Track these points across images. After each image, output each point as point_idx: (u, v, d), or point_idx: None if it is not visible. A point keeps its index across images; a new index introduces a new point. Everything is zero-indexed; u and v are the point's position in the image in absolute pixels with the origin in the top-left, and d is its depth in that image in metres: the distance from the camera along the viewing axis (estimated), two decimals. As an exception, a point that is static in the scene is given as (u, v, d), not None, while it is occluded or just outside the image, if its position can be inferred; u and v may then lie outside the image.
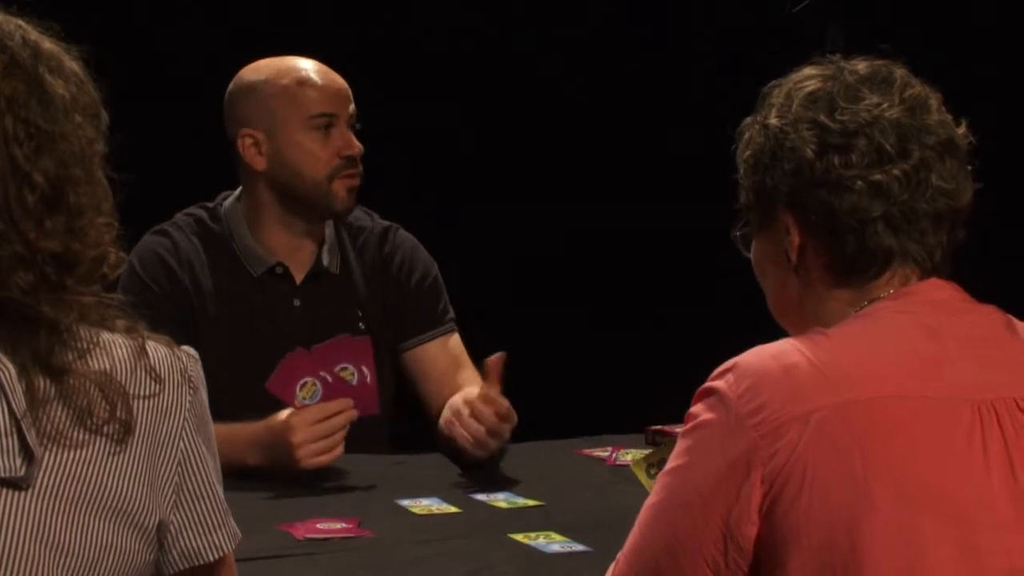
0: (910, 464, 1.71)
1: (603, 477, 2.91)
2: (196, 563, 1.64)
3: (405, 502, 2.74)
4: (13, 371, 1.53)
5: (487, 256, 4.74)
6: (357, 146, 3.16)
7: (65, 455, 1.54)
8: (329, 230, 3.23)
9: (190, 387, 1.63)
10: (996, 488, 1.73)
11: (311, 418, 2.82)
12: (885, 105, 1.82)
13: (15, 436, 1.52)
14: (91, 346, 1.57)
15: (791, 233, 1.85)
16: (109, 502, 1.56)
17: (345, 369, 2.88)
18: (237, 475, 2.58)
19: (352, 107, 3.18)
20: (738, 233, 1.94)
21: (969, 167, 1.85)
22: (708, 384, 1.79)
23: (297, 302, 3.20)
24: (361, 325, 3.20)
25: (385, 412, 3.24)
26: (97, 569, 1.56)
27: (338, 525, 2.59)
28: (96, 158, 1.61)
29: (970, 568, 1.71)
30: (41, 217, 1.55)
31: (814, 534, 1.70)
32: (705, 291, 4.64)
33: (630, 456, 2.94)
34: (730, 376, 1.76)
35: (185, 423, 1.62)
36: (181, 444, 1.62)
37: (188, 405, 1.62)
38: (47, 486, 1.54)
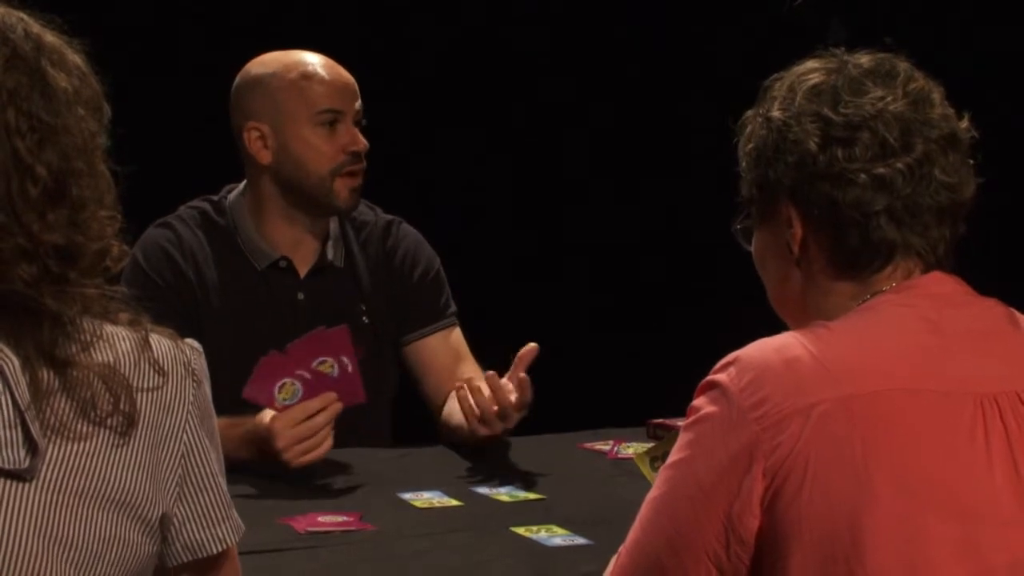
0: (912, 458, 1.71)
1: (605, 471, 2.91)
2: (199, 556, 1.65)
3: (407, 495, 2.74)
4: (17, 363, 1.53)
5: (489, 251, 4.75)
6: (362, 142, 3.16)
7: (69, 447, 1.55)
8: (333, 225, 3.24)
9: (194, 380, 1.63)
10: (998, 482, 1.73)
11: (293, 419, 2.78)
12: (889, 98, 1.82)
13: (19, 428, 1.52)
14: (94, 338, 1.57)
15: (793, 226, 1.85)
16: (112, 494, 1.56)
17: (324, 363, 2.84)
18: (239, 469, 2.58)
19: (359, 103, 3.18)
20: (739, 226, 1.94)
21: (971, 161, 1.85)
22: (710, 377, 1.79)
23: (301, 296, 3.20)
24: (364, 319, 3.20)
25: (382, 403, 3.24)
26: (100, 561, 1.56)
27: (340, 518, 2.59)
28: (98, 151, 1.61)
29: (972, 562, 1.71)
30: (44, 210, 1.55)
31: (816, 527, 1.70)
32: (706, 285, 4.64)
33: (632, 449, 2.95)
34: (732, 369, 1.76)
35: (189, 416, 1.62)
36: (184, 437, 1.62)
37: (191, 398, 1.62)
38: (51, 478, 1.54)
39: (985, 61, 4.53)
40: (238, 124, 3.18)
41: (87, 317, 1.57)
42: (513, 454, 3.01)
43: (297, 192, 3.16)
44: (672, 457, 1.79)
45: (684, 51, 4.80)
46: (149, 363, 1.59)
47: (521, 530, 2.54)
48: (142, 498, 1.58)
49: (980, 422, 1.74)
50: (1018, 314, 1.85)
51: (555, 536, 2.51)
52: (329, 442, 2.81)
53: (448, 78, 4.79)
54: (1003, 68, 4.61)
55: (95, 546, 1.56)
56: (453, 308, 3.30)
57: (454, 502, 2.72)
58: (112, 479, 1.56)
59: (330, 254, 3.22)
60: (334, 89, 3.15)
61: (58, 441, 1.54)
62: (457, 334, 3.28)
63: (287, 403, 2.80)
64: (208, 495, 1.64)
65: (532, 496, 2.75)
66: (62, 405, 1.54)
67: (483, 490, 2.78)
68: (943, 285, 1.83)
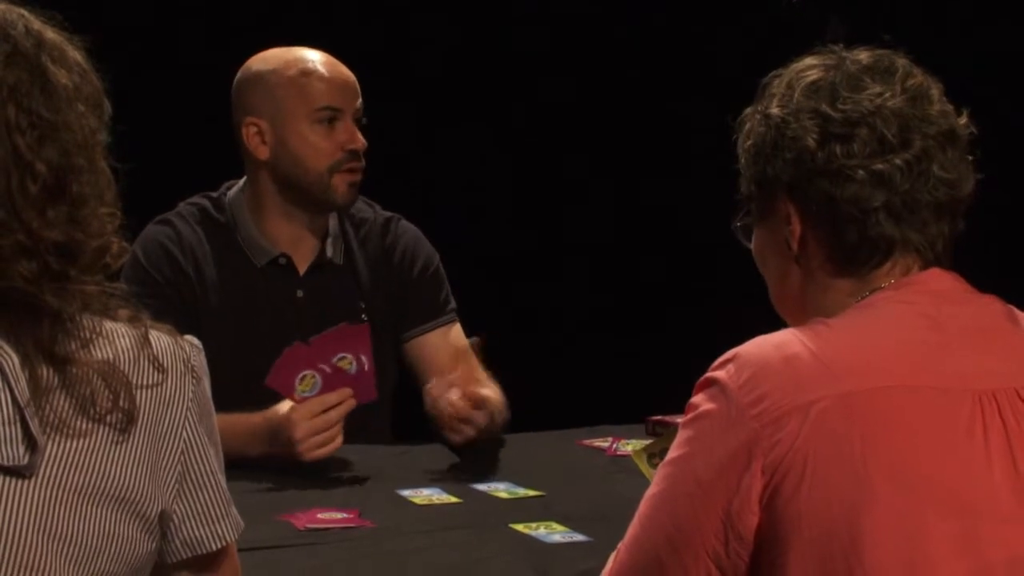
0: (911, 454, 1.71)
1: (604, 467, 2.91)
2: (198, 552, 1.65)
3: (406, 492, 2.74)
4: (16, 360, 1.53)
5: (490, 250, 4.75)
6: (360, 141, 3.15)
7: (68, 444, 1.55)
8: (333, 222, 3.24)
9: (193, 377, 1.63)
10: (997, 479, 1.73)
11: (311, 411, 2.82)
12: (887, 95, 1.82)
13: (18, 425, 1.52)
14: (94, 335, 1.57)
15: (792, 223, 1.85)
16: (112, 491, 1.56)
17: (343, 359, 2.89)
18: (239, 465, 2.58)
19: (359, 102, 3.18)
20: (739, 224, 1.94)
21: (970, 157, 1.85)
22: (709, 374, 1.78)
23: (300, 293, 3.20)
24: (364, 316, 3.20)
25: (385, 400, 3.24)
26: (99, 558, 1.56)
27: (339, 515, 2.59)
28: (99, 147, 1.61)
29: (971, 559, 1.71)
30: (43, 206, 1.55)
31: (815, 524, 1.70)
32: (706, 282, 4.64)
33: (630, 446, 2.95)
34: (731, 367, 1.76)
35: (188, 413, 1.62)
36: (184, 434, 1.62)
37: (191, 395, 1.62)
38: (50, 475, 1.54)
39: (984, 57, 4.53)
40: (237, 119, 3.18)
41: (87, 314, 1.58)
42: (512, 451, 3.02)
43: (295, 188, 3.16)
44: (671, 454, 1.79)
45: (684, 51, 4.80)
46: (149, 360, 1.59)
47: (520, 527, 2.54)
48: (141, 495, 1.58)
49: (979, 419, 1.74)
50: (1017, 311, 1.85)
51: (554, 533, 2.51)
52: (340, 438, 2.83)
53: (448, 78, 4.78)
54: (1002, 64, 4.61)
55: (94, 542, 1.56)
56: (453, 304, 3.30)
57: (453, 499, 2.72)
58: (112, 476, 1.56)
59: (329, 251, 3.22)
60: (334, 87, 3.15)
61: (57, 438, 1.54)
62: (457, 330, 3.28)
63: (306, 395, 2.85)
64: (207, 492, 1.64)
65: (531, 493, 2.75)
66: (62, 402, 1.55)
67: (482, 487, 2.79)
68: (942, 282, 1.83)
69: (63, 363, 1.55)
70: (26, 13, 1.61)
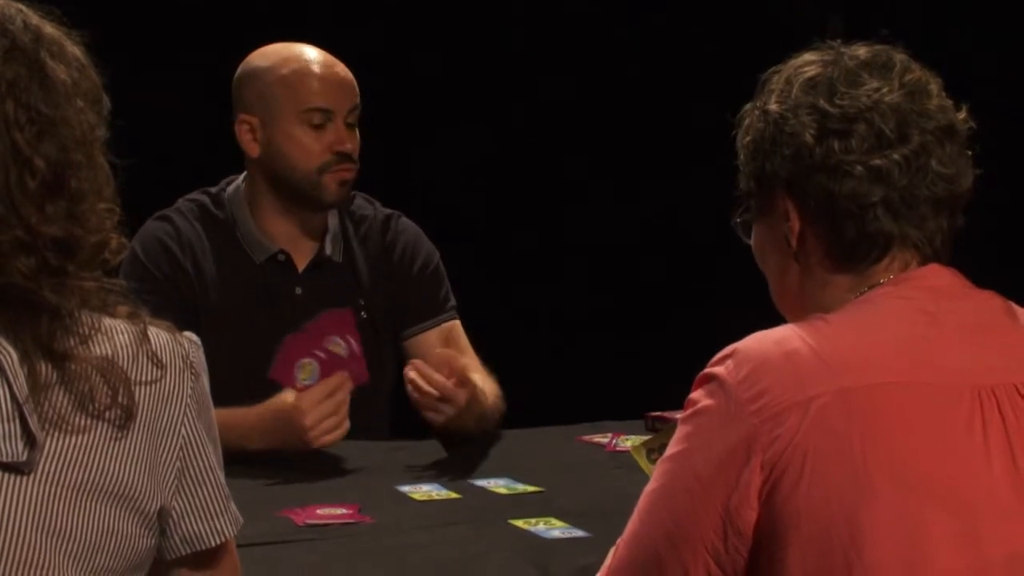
0: (910, 451, 1.71)
1: (603, 463, 2.92)
2: (198, 548, 1.65)
3: (405, 488, 2.74)
4: (15, 356, 1.53)
5: (489, 246, 4.75)
6: (350, 143, 3.12)
7: (67, 440, 1.55)
8: (333, 219, 3.23)
9: (192, 373, 1.63)
10: (996, 475, 1.73)
11: (317, 398, 2.84)
12: (885, 90, 1.82)
13: (17, 421, 1.52)
14: (93, 332, 1.57)
15: (791, 219, 1.85)
16: (110, 487, 1.56)
17: (336, 343, 2.90)
18: (237, 461, 2.58)
19: (354, 103, 3.15)
20: (738, 220, 1.94)
21: (969, 152, 1.85)
22: (708, 370, 1.78)
23: (299, 290, 3.20)
24: (363, 314, 3.20)
25: (383, 397, 3.24)
26: (98, 554, 1.56)
27: (338, 511, 2.59)
28: (97, 143, 1.61)
29: (970, 555, 1.70)
30: (42, 202, 1.55)
31: (814, 520, 1.70)
32: (705, 277, 4.64)
33: (630, 442, 2.94)
34: (730, 362, 1.76)
35: (187, 409, 1.62)
36: (183, 430, 1.62)
37: (190, 391, 1.62)
38: (49, 471, 1.54)
39: (984, 53, 4.53)
40: (234, 115, 3.18)
41: (85, 310, 1.57)
42: (511, 447, 3.02)
43: (285, 186, 3.15)
44: (670, 450, 1.79)
45: (684, 51, 4.80)
46: (147, 356, 1.59)
47: (519, 522, 2.54)
48: (140, 491, 1.58)
49: (978, 415, 1.74)
50: (1016, 307, 1.85)
51: (553, 528, 2.51)
52: (348, 422, 2.84)
53: (449, 77, 4.78)
54: (1002, 60, 4.61)
55: (93, 539, 1.56)
56: (453, 302, 3.29)
57: (452, 495, 2.72)
58: (110, 472, 1.56)
59: (328, 249, 3.21)
60: (326, 87, 3.13)
61: (56, 434, 1.54)
62: (457, 328, 3.28)
63: (306, 383, 2.86)
64: (206, 488, 1.64)
65: (530, 489, 2.75)
66: (60, 398, 1.54)
67: (481, 483, 2.79)
68: (940, 278, 1.83)
69: (62, 359, 1.55)
70: (24, 8, 1.61)
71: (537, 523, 2.53)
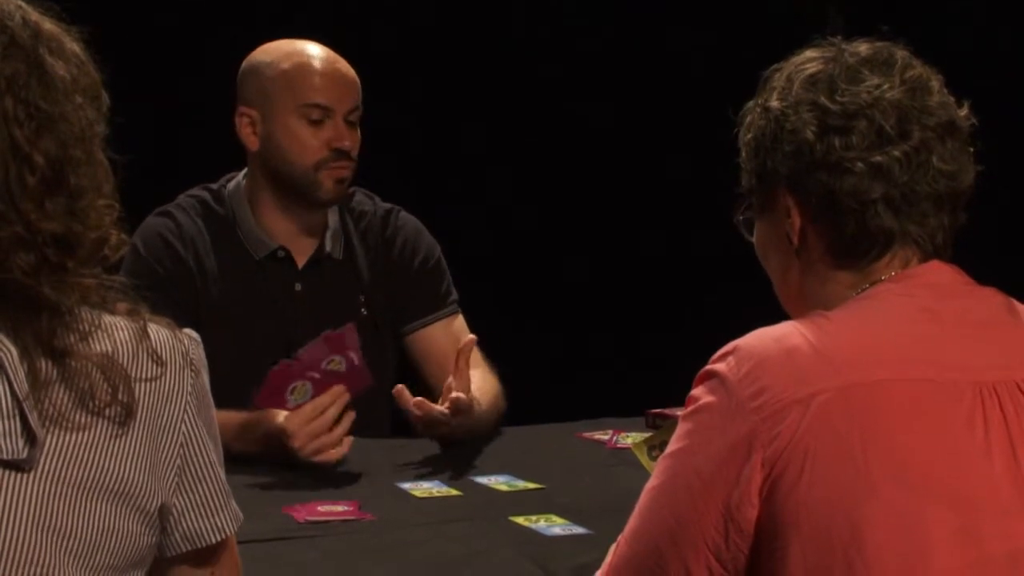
0: (911, 448, 1.71)
1: (604, 460, 2.91)
2: (198, 545, 1.65)
3: (406, 485, 2.74)
4: (15, 353, 1.53)
5: (489, 241, 4.75)
6: (348, 140, 3.12)
7: (67, 438, 1.54)
8: (334, 216, 3.23)
9: (192, 370, 1.63)
10: (997, 471, 1.73)
11: (306, 418, 2.78)
12: (886, 86, 1.82)
13: (17, 418, 1.52)
14: (93, 328, 1.57)
15: (792, 216, 1.84)
16: (111, 485, 1.56)
17: (332, 361, 2.84)
18: (238, 459, 2.58)
19: (355, 101, 3.15)
20: (741, 217, 1.93)
21: (971, 149, 1.85)
22: (709, 367, 1.78)
23: (299, 287, 3.19)
24: (363, 311, 3.19)
25: (384, 393, 3.24)
26: (99, 552, 1.56)
27: (339, 508, 2.59)
28: (96, 139, 1.60)
29: (971, 551, 1.70)
30: (41, 198, 1.55)
31: (814, 517, 1.70)
32: (705, 274, 4.64)
33: (630, 439, 2.95)
34: (731, 359, 1.76)
35: (187, 406, 1.62)
36: (183, 427, 1.62)
37: (190, 388, 1.62)
38: (49, 469, 1.54)
39: (985, 49, 4.53)
40: (237, 109, 3.18)
41: (85, 307, 1.57)
42: (512, 444, 3.02)
43: (283, 181, 3.15)
44: (671, 447, 1.79)
45: (684, 50, 4.80)
46: (147, 353, 1.59)
47: (520, 519, 2.54)
48: (141, 488, 1.58)
49: (979, 411, 1.74)
50: (1017, 303, 1.85)
51: (554, 525, 2.51)
52: (346, 446, 2.80)
53: (450, 77, 4.78)
54: (1003, 56, 4.61)
55: (94, 536, 1.55)
56: (454, 296, 3.29)
57: (453, 491, 2.72)
58: (111, 469, 1.56)
59: (328, 246, 3.21)
60: (326, 83, 3.13)
61: (56, 431, 1.54)
62: (460, 322, 3.27)
63: (299, 403, 2.80)
64: (207, 485, 1.64)
65: (531, 486, 2.75)
66: (60, 395, 1.54)
67: (482, 480, 2.79)
68: (942, 274, 1.82)
69: (62, 356, 1.54)
70: (23, 4, 1.60)
71: (538, 520, 2.53)
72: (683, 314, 4.71)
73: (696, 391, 1.79)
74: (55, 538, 1.54)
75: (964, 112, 1.85)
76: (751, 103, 1.90)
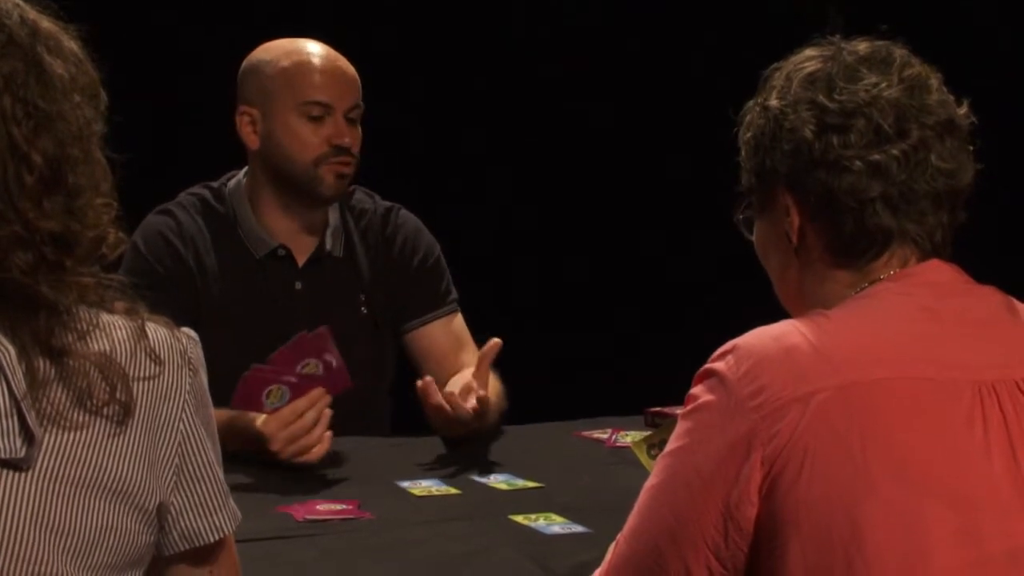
0: (910, 447, 1.71)
1: (603, 459, 2.91)
2: (196, 544, 1.65)
3: (405, 484, 2.74)
4: (13, 352, 1.53)
5: (489, 241, 4.75)
6: (348, 137, 3.12)
7: (65, 437, 1.54)
8: (334, 214, 3.23)
9: (190, 369, 1.62)
10: (997, 470, 1.73)
11: (283, 422, 2.77)
12: (884, 85, 1.81)
13: (15, 417, 1.52)
14: (91, 327, 1.57)
15: (791, 214, 1.84)
16: (109, 484, 1.56)
17: (307, 365, 2.82)
18: (237, 458, 2.58)
19: (355, 98, 3.15)
20: (740, 216, 1.93)
21: (970, 147, 1.85)
22: (708, 366, 1.78)
23: (299, 285, 3.19)
24: (363, 309, 3.19)
25: (380, 391, 3.24)
26: (97, 551, 1.56)
27: (338, 507, 2.59)
28: (95, 138, 1.60)
29: (970, 550, 1.70)
30: (39, 197, 1.55)
31: (814, 516, 1.70)
32: (705, 274, 4.64)
33: (630, 438, 2.95)
34: (730, 358, 1.76)
35: (185, 405, 1.62)
36: (181, 426, 1.62)
37: (188, 387, 1.62)
38: (47, 468, 1.54)
39: (985, 49, 4.53)
40: (237, 107, 3.18)
41: (83, 306, 1.57)
42: (511, 442, 3.01)
43: (284, 179, 3.15)
44: (670, 445, 1.79)
45: (684, 51, 4.80)
46: (145, 352, 1.59)
47: (519, 518, 2.54)
48: (139, 487, 1.58)
49: (978, 410, 1.74)
50: (1016, 302, 1.85)
51: (553, 524, 2.51)
52: (327, 438, 2.79)
53: (451, 77, 4.78)
54: (1003, 56, 4.61)
55: (92, 535, 1.55)
56: (454, 295, 3.29)
57: (452, 490, 2.72)
58: (109, 468, 1.56)
59: (329, 244, 3.21)
60: (326, 81, 3.13)
61: (54, 430, 1.54)
62: (459, 321, 3.27)
63: (276, 407, 2.79)
64: (205, 484, 1.64)
65: (530, 484, 2.75)
66: (58, 394, 1.54)
67: (481, 478, 2.79)
68: (941, 273, 1.82)
69: (60, 355, 1.54)
70: (21, 2, 1.60)
71: (537, 519, 2.53)
72: (683, 314, 4.71)
73: (695, 390, 1.79)
74: (53, 537, 1.54)
75: (963, 110, 1.85)
76: (751, 102, 1.90)
